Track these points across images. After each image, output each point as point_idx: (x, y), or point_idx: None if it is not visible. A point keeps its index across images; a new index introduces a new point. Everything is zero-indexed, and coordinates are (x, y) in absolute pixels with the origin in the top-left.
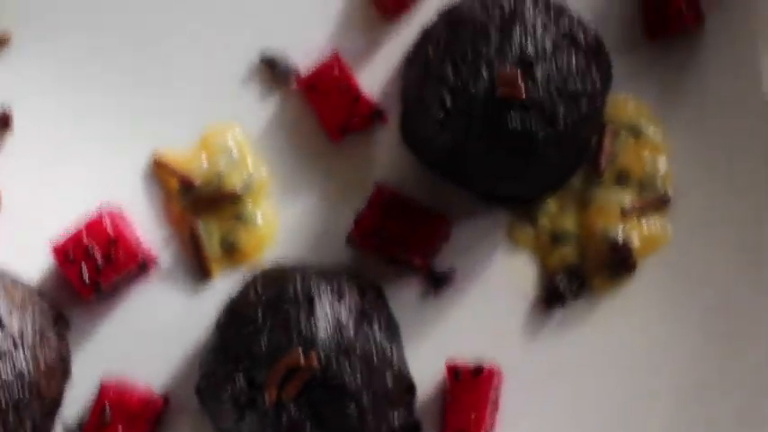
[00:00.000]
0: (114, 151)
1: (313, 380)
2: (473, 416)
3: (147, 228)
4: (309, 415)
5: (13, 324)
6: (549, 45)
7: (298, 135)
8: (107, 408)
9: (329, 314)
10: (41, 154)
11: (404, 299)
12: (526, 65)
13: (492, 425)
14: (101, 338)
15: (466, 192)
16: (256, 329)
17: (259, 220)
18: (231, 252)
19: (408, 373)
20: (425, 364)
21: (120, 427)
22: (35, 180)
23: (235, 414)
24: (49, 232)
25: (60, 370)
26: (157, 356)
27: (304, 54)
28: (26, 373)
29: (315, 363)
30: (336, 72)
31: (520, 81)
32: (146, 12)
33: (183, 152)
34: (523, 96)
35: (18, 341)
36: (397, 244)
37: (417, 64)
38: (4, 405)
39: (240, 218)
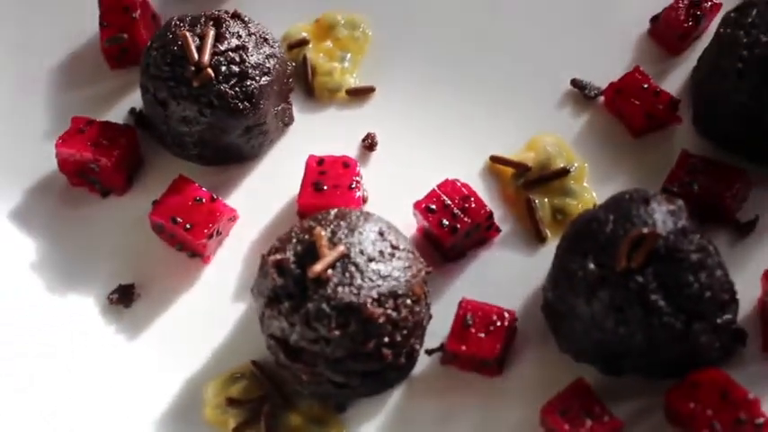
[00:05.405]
0: (454, 157)
1: (657, 254)
2: None
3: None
4: (655, 284)
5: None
6: None
7: (605, 138)
8: (469, 315)
9: (664, 210)
10: (397, 166)
11: None
12: None
13: None
14: (452, 294)
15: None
16: (599, 223)
17: (582, 192)
18: (561, 218)
19: (733, 285)
20: None
21: (480, 331)
22: (395, 184)
23: (585, 295)
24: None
25: (425, 302)
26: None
27: (607, 80)
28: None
29: (658, 232)
30: (638, 75)
31: None
32: (480, 57)
33: (513, 154)
34: None
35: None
36: (707, 193)
37: (708, 52)
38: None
39: (566, 191)
